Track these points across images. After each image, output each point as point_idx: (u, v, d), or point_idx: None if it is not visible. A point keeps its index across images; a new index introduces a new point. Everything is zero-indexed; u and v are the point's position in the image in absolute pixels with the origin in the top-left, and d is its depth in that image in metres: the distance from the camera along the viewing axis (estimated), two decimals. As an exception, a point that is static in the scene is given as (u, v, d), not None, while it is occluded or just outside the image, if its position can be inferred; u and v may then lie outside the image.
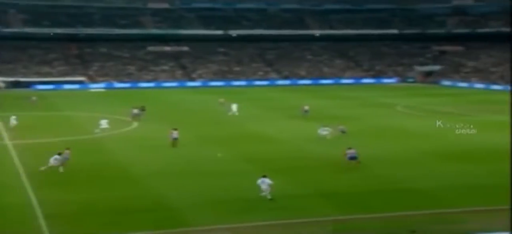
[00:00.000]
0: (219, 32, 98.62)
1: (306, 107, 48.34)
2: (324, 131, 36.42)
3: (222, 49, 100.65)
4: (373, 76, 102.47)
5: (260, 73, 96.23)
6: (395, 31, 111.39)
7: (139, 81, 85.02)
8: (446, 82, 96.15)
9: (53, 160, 26.44)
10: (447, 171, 28.47)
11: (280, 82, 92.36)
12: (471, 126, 40.91)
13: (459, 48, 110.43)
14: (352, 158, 28.54)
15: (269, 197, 22.49)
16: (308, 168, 28.85)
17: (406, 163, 30.21)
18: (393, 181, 26.46)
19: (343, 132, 37.41)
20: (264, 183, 22.60)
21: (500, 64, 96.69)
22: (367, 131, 42.08)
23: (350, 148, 29.14)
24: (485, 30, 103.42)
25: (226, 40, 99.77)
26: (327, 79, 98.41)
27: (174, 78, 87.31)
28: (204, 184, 24.92)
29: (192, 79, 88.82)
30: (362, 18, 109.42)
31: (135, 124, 41.83)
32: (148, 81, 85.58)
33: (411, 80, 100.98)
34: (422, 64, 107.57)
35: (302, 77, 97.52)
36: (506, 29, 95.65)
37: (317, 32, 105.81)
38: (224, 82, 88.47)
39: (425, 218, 20.83)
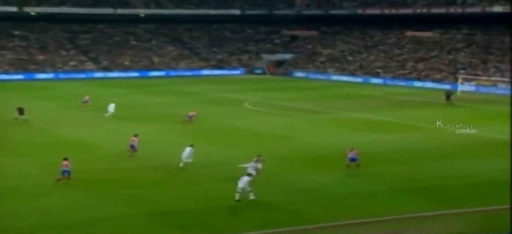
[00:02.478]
0: (13, 9, 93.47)
1: (112, 108, 49.33)
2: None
3: (18, 32, 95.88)
4: (214, 67, 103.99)
5: (73, 63, 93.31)
6: (237, 11, 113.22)
7: None
8: (300, 74, 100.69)
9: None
10: (307, 181, 30.05)
11: (99, 74, 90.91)
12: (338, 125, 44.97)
13: (312, 33, 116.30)
14: (353, 160, 31.68)
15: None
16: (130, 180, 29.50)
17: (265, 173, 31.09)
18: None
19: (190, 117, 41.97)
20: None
21: (358, 52, 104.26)
22: (210, 133, 43.54)
23: (352, 149, 32.19)
24: (339, 12, 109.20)
25: (23, 19, 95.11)
26: (157, 71, 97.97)
27: None
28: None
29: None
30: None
31: None
32: None
33: (259, 71, 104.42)
34: (270, 52, 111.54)
35: (127, 69, 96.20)
36: (361, 12, 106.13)
37: (141, 12, 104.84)
38: (24, 75, 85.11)
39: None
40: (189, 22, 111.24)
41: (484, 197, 27.41)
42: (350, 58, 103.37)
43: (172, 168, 31.51)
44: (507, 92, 72.80)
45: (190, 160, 27.72)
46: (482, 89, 77.01)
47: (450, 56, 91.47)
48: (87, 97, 54.13)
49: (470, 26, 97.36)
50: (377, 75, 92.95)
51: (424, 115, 52.68)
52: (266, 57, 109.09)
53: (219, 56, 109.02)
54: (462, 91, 68.89)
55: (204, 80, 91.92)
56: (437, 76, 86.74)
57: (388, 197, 27.25)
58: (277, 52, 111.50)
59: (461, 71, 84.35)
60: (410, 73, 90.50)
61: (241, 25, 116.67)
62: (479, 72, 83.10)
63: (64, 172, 28.52)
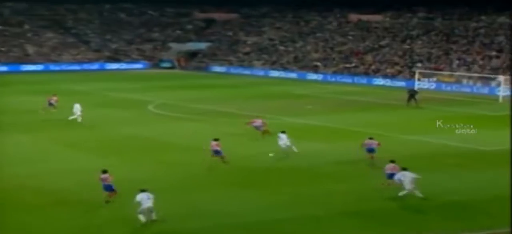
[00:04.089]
0: None
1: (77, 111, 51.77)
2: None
3: None
4: (108, 60, 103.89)
5: None
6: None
7: None
8: (218, 68, 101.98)
9: None
10: (227, 202, 30.34)
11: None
12: (268, 131, 44.52)
13: (232, 16, 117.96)
14: (371, 150, 37.13)
15: None
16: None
17: (172, 192, 31.34)
18: (167, 219, 27.31)
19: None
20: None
21: (291, 40, 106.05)
22: (107, 144, 43.45)
23: (371, 138, 37.94)
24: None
25: None
26: (33, 64, 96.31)
27: None
28: None
29: None
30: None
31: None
32: None
33: (167, 65, 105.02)
34: (180, 40, 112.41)
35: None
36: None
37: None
38: None
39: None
40: (73, 1, 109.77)
41: (450, 219, 27.88)
42: (281, 48, 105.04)
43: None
44: (475, 90, 75.65)
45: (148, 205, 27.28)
46: (443, 87, 79.68)
47: (405, 46, 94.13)
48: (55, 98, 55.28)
49: (428, 8, 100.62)
50: (315, 69, 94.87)
51: (374, 120, 54.00)
52: (175, 47, 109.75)
53: (114, 46, 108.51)
54: (420, 89, 70.84)
55: (96, 76, 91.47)
56: (390, 70, 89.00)
57: (332, 223, 27.59)
58: (188, 40, 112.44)
59: (418, 65, 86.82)
60: (355, 67, 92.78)
61: (141, 6, 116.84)
62: (441, 65, 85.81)
63: (107, 187, 29.63)
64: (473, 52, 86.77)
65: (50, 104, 54.08)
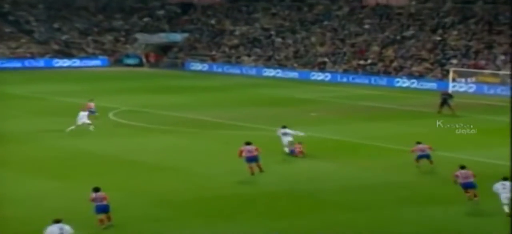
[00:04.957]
0: None
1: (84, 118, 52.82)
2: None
3: None
4: (57, 55, 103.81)
5: None
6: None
7: None
8: (197, 65, 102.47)
9: None
10: None
11: None
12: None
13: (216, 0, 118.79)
14: (424, 157, 41.28)
15: None
16: None
17: (134, 227, 31.42)
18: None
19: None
20: None
21: (291, 30, 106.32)
22: (51, 164, 43.24)
23: (419, 142, 41.76)
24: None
25: None
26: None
27: None
28: None
29: None
30: None
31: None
32: None
33: (132, 61, 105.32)
34: (150, 30, 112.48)
35: None
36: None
37: None
38: None
39: None
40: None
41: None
42: (277, 40, 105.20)
43: None
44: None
45: None
46: (485, 89, 79.98)
47: (436, 37, 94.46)
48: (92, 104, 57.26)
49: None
50: (321, 67, 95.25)
51: (396, 131, 54.05)
52: (143, 38, 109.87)
53: (64, 37, 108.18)
54: (455, 93, 70.80)
55: (41, 75, 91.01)
56: (416, 68, 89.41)
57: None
58: (160, 31, 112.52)
59: (453, 61, 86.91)
60: (372, 64, 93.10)
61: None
62: (482, 62, 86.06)
63: (102, 208, 30.52)
64: None
65: (91, 112, 54.99)
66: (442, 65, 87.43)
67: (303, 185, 38.09)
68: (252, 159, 38.74)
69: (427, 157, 40.95)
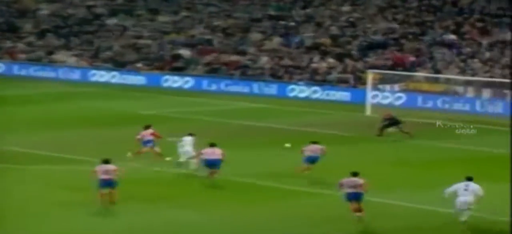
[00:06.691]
0: None
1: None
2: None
3: None
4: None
5: None
6: None
7: None
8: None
9: None
10: None
11: None
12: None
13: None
14: (312, 160, 49.18)
15: None
16: None
17: None
18: None
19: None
20: None
21: (129, 10, 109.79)
22: None
23: (315, 142, 50.60)
24: None
25: None
26: None
27: None
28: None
29: None
30: None
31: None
32: None
33: None
34: None
35: None
36: None
37: None
38: None
39: None
40: None
41: None
42: (111, 24, 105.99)
43: None
44: (479, 109, 79.87)
45: None
46: (420, 101, 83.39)
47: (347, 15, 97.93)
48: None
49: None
50: (179, 69, 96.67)
51: (292, 163, 54.32)
52: None
53: None
54: (375, 106, 71.98)
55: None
56: (317, 66, 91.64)
57: None
58: None
59: (368, 60, 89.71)
60: (252, 61, 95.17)
61: None
62: (410, 58, 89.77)
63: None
64: (473, 30, 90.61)
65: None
66: (355, 61, 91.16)
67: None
68: (107, 184, 41.76)
69: (315, 160, 48.70)
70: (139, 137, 55.96)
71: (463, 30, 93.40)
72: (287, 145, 55.79)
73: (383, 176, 52.34)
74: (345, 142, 64.69)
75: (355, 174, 40.58)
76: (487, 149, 63.01)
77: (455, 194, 39.21)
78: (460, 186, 39.31)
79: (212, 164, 48.65)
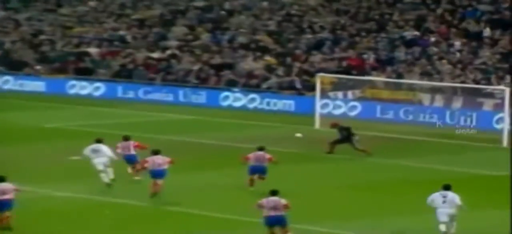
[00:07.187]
0: None
1: None
2: None
3: None
4: None
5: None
6: None
7: None
8: None
9: None
10: None
11: None
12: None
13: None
14: (257, 170, 51.89)
15: None
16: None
17: None
18: None
19: None
20: None
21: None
22: None
23: (261, 148, 52.80)
24: None
25: None
26: None
27: None
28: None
29: None
30: None
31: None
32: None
33: None
34: None
35: None
36: None
37: None
38: None
39: None
40: None
41: None
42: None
43: None
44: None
45: None
46: (378, 111, 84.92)
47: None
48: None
49: None
50: (86, 73, 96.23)
51: (234, 184, 55.73)
52: None
53: None
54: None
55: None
56: (255, 66, 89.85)
57: None
58: None
59: (315, 60, 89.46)
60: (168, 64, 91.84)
61: None
62: (368, 59, 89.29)
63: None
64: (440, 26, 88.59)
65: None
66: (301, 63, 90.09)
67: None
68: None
69: (261, 171, 51.22)
70: (119, 150, 56.84)
71: (427, 25, 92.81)
72: (298, 134, 57.82)
73: (334, 202, 53.77)
74: (289, 160, 62.85)
75: (274, 193, 40.80)
76: (458, 169, 64.00)
77: (432, 206, 41.53)
78: (436, 196, 41.57)
79: (157, 174, 50.36)
